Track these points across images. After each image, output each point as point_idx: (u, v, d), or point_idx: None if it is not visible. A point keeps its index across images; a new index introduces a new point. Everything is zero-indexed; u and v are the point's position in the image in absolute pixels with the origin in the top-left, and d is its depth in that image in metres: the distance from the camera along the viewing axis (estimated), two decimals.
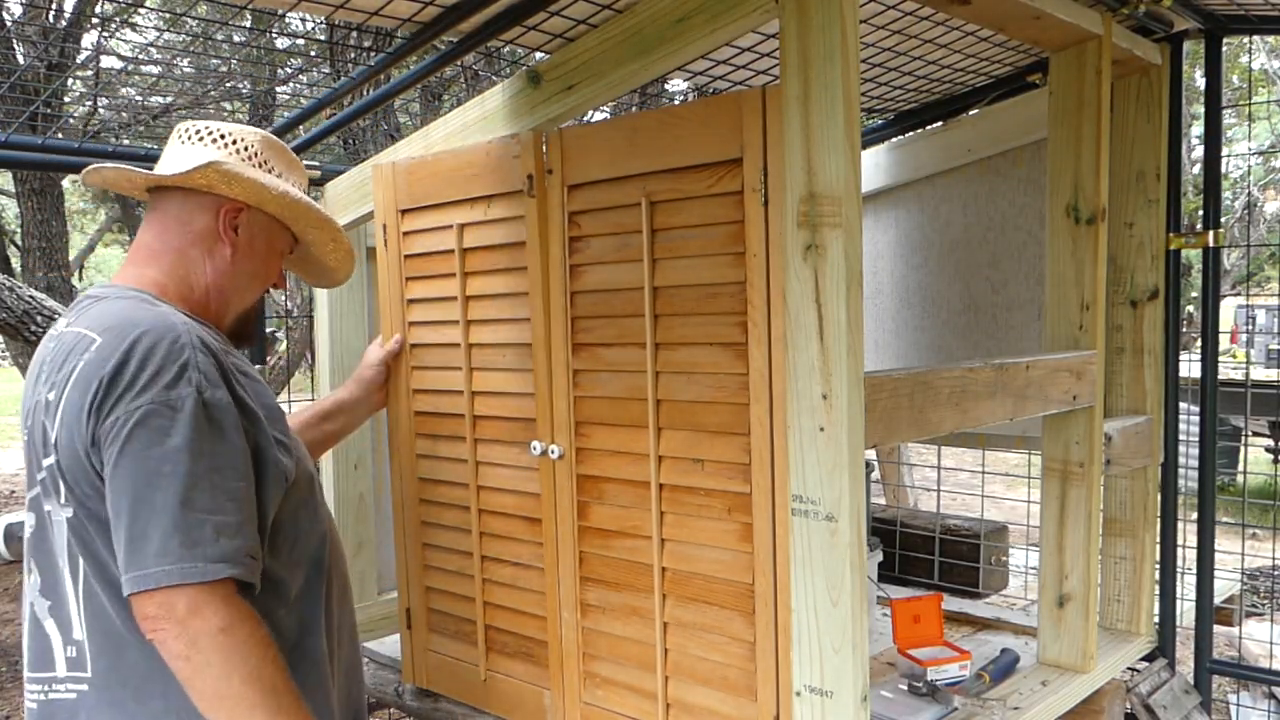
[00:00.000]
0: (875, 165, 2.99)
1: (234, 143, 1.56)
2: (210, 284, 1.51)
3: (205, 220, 1.51)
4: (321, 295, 2.64)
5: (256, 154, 1.57)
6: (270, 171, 1.57)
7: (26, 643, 1.37)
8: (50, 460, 1.31)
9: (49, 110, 4.72)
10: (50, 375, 1.33)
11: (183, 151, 1.55)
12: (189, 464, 1.25)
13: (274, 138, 1.63)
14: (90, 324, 1.34)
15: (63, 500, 1.31)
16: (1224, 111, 2.54)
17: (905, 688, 2.12)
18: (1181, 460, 2.52)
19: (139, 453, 1.24)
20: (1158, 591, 2.51)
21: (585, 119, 2.98)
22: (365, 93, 2.57)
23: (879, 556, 2.64)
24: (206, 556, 1.23)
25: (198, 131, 1.56)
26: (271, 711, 1.24)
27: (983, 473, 3.60)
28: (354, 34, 4.56)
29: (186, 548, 1.22)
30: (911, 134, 3.01)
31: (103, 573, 1.31)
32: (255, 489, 1.34)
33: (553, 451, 1.93)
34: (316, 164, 2.80)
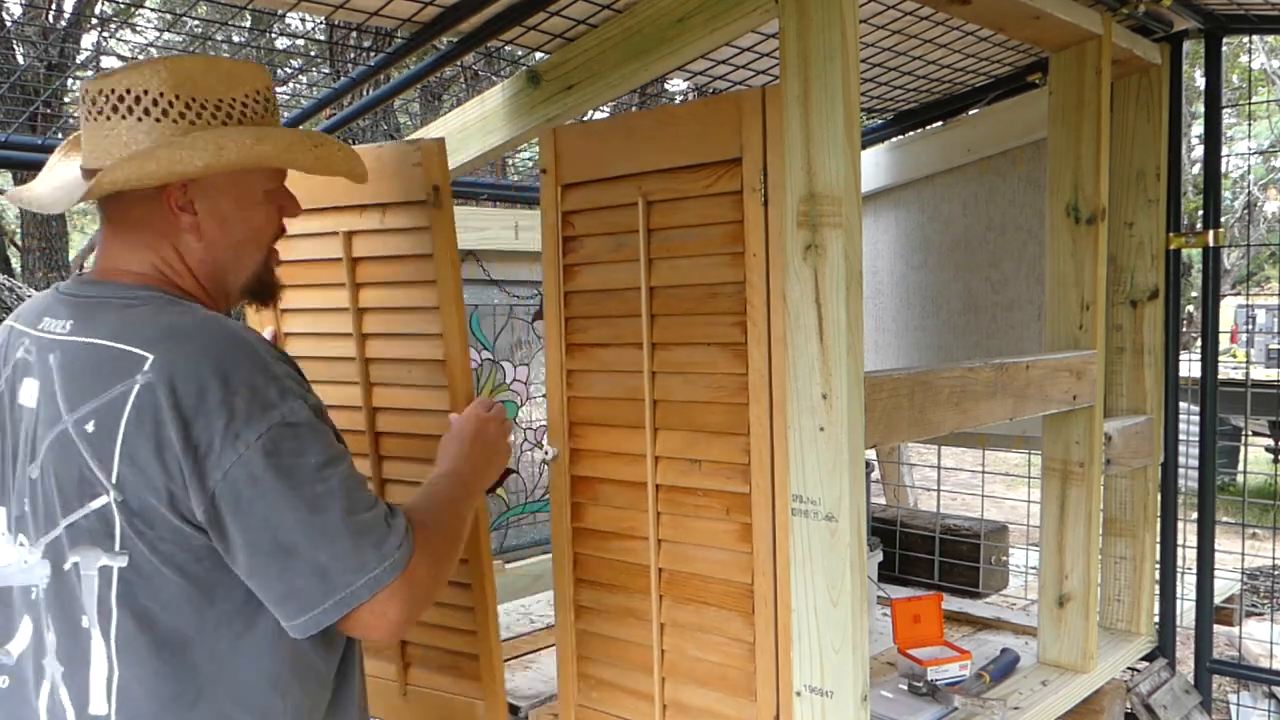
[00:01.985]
0: (875, 165, 2.99)
1: (137, 101, 1.18)
2: (196, 274, 1.26)
3: (155, 211, 1.22)
4: None
5: (170, 104, 1.19)
6: (191, 113, 1.19)
7: (43, 708, 1.18)
8: (101, 502, 1.11)
9: (49, 110, 4.72)
10: (74, 397, 1.12)
11: (94, 133, 1.21)
12: (337, 478, 1.13)
13: (187, 60, 1.23)
14: (117, 335, 1.14)
15: (118, 548, 1.11)
16: (1224, 111, 2.54)
17: (905, 688, 2.12)
18: (1181, 460, 2.52)
19: (283, 483, 1.10)
20: (1158, 591, 2.51)
21: (585, 119, 2.98)
22: (365, 93, 2.57)
23: (879, 556, 2.64)
24: (386, 553, 1.14)
25: (94, 102, 1.20)
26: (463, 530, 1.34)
27: (983, 473, 3.60)
28: (354, 34, 4.56)
29: (372, 551, 1.13)
30: (911, 134, 3.01)
31: (154, 631, 1.13)
32: None
33: (547, 453, 1.92)
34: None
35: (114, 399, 1.10)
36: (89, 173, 1.23)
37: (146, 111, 1.18)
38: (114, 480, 1.10)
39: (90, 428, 1.11)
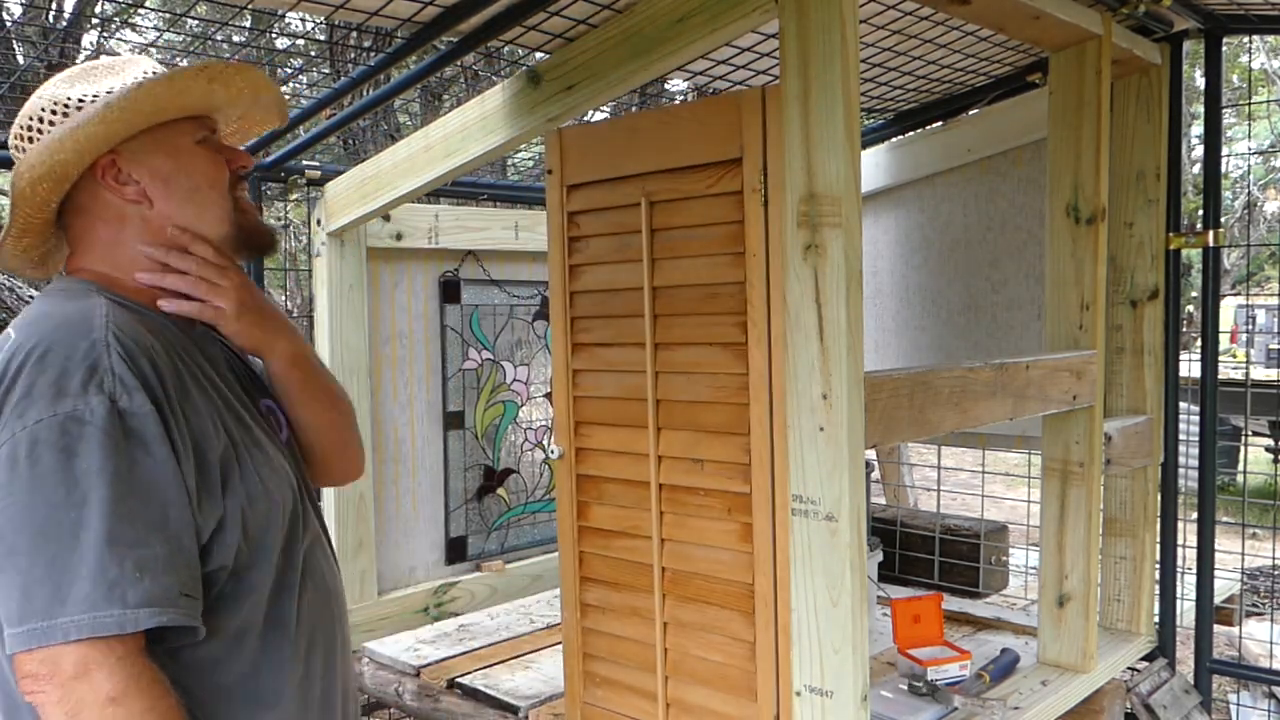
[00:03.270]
0: (875, 165, 2.99)
1: (28, 129, 1.21)
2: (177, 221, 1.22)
3: (98, 199, 1.20)
4: (321, 296, 2.64)
5: (56, 111, 1.19)
6: (75, 103, 1.19)
7: None
8: None
9: None
10: None
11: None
12: (103, 490, 1.00)
13: (64, 75, 1.24)
14: (16, 320, 1.13)
15: None
16: (1224, 111, 2.54)
17: (905, 688, 2.12)
18: (1181, 460, 2.52)
19: (29, 481, 1.00)
20: (1158, 591, 2.50)
21: (585, 119, 2.98)
22: (365, 93, 2.57)
23: (879, 556, 2.64)
24: (126, 602, 0.98)
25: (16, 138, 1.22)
26: None
27: (983, 473, 3.60)
28: (354, 34, 4.56)
29: (86, 596, 0.97)
30: (911, 134, 3.01)
31: None
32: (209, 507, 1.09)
33: (553, 452, 1.93)
34: (316, 164, 2.80)
35: None
36: None
37: (36, 132, 1.20)
38: None
39: None
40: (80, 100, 1.19)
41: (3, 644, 1.03)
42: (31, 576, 0.98)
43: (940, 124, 2.98)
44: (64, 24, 6.07)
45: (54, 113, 1.19)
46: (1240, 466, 6.57)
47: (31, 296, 4.56)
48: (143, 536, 1.01)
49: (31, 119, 1.21)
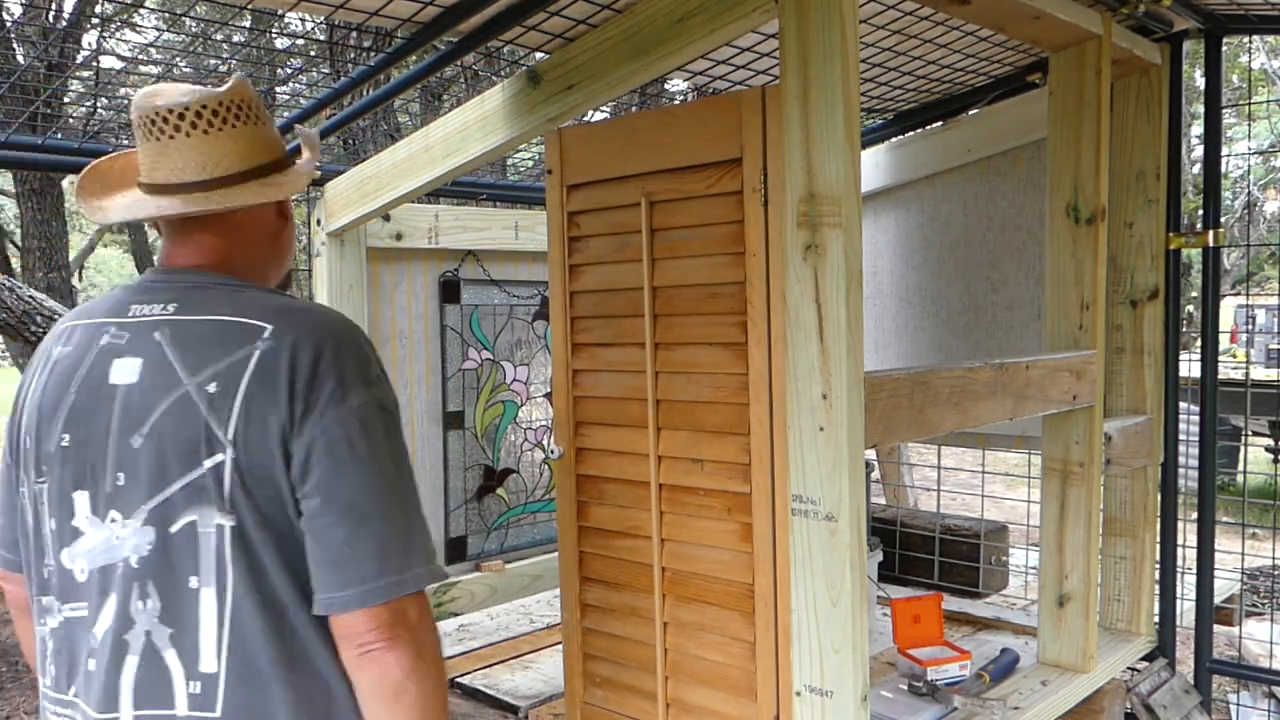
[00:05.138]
0: (875, 165, 2.99)
1: (249, 110, 1.31)
2: (264, 270, 1.37)
3: (258, 217, 1.36)
4: (321, 296, 2.64)
5: (230, 111, 1.30)
6: (245, 114, 1.33)
7: (133, 677, 1.19)
8: (216, 460, 1.15)
9: (49, 110, 4.72)
10: (194, 363, 1.18)
11: (216, 144, 1.29)
12: (408, 466, 1.21)
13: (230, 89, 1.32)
14: (235, 311, 1.21)
15: (227, 506, 1.15)
16: (1224, 111, 2.54)
17: (905, 687, 2.12)
18: (1181, 460, 2.52)
19: (372, 455, 1.16)
20: (1158, 591, 2.51)
21: (584, 119, 2.98)
22: (365, 93, 2.57)
23: (879, 556, 2.64)
24: (430, 558, 1.18)
25: (166, 120, 1.28)
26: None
27: (983, 473, 3.60)
28: (354, 34, 4.56)
29: (421, 551, 1.17)
30: (911, 134, 3.01)
31: (261, 591, 1.17)
32: None
33: (553, 451, 1.93)
34: (317, 164, 2.80)
35: (236, 361, 1.17)
36: (177, 186, 1.29)
37: (257, 116, 1.33)
38: (230, 436, 1.15)
39: (212, 388, 1.17)
40: (249, 110, 1.35)
41: (269, 611, 1.17)
42: (385, 539, 1.15)
43: (940, 124, 2.98)
44: (64, 24, 6.07)
45: (221, 116, 1.31)
46: (1240, 466, 6.57)
47: (31, 296, 4.56)
48: (418, 505, 1.23)
49: (247, 105, 1.33)
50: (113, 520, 1.20)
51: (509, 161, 4.19)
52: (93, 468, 1.22)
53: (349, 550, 1.14)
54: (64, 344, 1.28)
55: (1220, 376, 2.55)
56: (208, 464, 1.16)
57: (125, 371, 1.22)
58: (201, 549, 1.17)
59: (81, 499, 1.23)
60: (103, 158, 1.41)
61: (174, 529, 1.17)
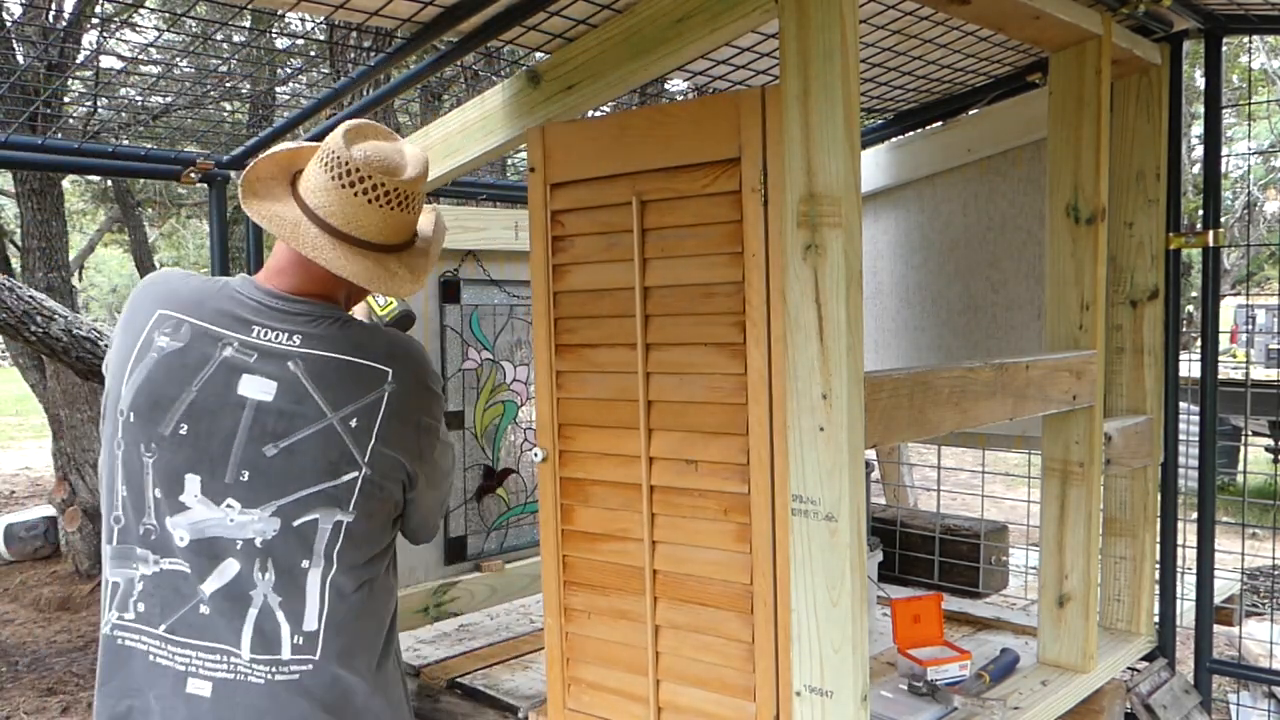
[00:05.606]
0: (875, 165, 2.99)
1: (408, 198, 1.57)
2: (349, 303, 1.69)
3: None
4: None
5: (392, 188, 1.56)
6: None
7: (251, 627, 1.50)
8: (351, 475, 1.52)
9: (49, 110, 4.72)
10: (336, 400, 1.52)
11: (378, 215, 1.53)
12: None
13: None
14: (355, 350, 1.55)
15: (349, 508, 1.52)
16: (1224, 111, 2.54)
17: (905, 688, 2.12)
18: (1181, 460, 2.52)
19: (447, 446, 1.70)
20: (1158, 591, 2.50)
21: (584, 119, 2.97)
22: (365, 93, 2.57)
23: (879, 556, 2.64)
24: None
25: (387, 193, 1.53)
26: None
27: (983, 473, 3.60)
28: (354, 34, 4.56)
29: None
30: (911, 134, 3.01)
31: (354, 566, 1.54)
32: None
33: (536, 454, 1.92)
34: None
35: (371, 402, 1.54)
36: (343, 235, 1.53)
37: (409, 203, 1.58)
38: (366, 459, 1.53)
39: (354, 423, 1.52)
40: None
41: (354, 578, 1.54)
42: (445, 495, 1.76)
43: (940, 124, 2.98)
44: (64, 24, 6.07)
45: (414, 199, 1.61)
46: (1240, 466, 6.57)
47: (31, 296, 4.56)
48: None
49: (406, 192, 1.57)
50: (228, 506, 1.49)
51: (509, 161, 4.19)
52: (211, 459, 1.49)
53: (437, 509, 1.74)
54: (170, 335, 1.51)
55: (1220, 376, 2.55)
56: (344, 478, 1.52)
57: (257, 388, 1.50)
58: (317, 539, 1.51)
59: (193, 481, 1.49)
60: (265, 158, 1.57)
61: (297, 523, 1.50)
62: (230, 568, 1.49)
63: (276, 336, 1.52)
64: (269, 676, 1.50)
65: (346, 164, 1.49)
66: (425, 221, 1.69)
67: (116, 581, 1.54)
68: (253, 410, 1.49)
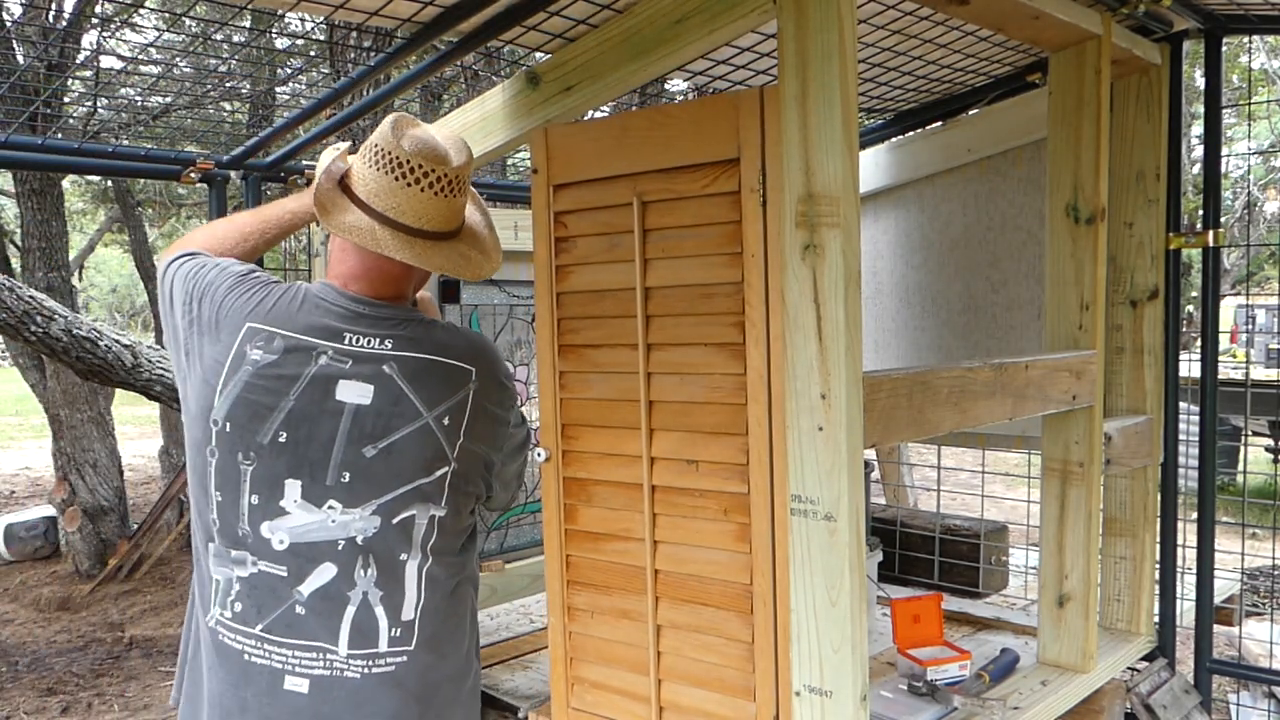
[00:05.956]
0: (875, 165, 2.99)
1: (456, 181, 1.62)
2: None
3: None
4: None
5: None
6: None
7: (349, 623, 1.57)
8: (444, 470, 1.62)
9: (49, 110, 4.72)
10: (430, 400, 1.60)
11: (433, 203, 1.59)
12: None
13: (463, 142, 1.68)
14: (441, 351, 1.63)
15: (441, 502, 1.63)
16: (1224, 111, 2.54)
17: (905, 688, 2.12)
18: (1181, 460, 2.52)
19: (521, 440, 1.83)
20: (1158, 591, 2.51)
21: (584, 119, 2.97)
22: (365, 93, 2.57)
23: (879, 556, 2.64)
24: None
25: (441, 178, 1.58)
26: None
27: (983, 473, 3.60)
28: (354, 34, 4.56)
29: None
30: (911, 134, 3.01)
31: (446, 554, 1.66)
32: None
33: (539, 455, 1.92)
34: (316, 164, 2.80)
35: (459, 400, 1.63)
36: (416, 231, 1.59)
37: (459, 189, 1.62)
38: (455, 455, 1.63)
39: (446, 421, 1.62)
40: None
41: (447, 566, 1.68)
42: (518, 472, 1.87)
43: (940, 124, 2.98)
44: (64, 24, 6.07)
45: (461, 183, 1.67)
46: (1240, 466, 6.57)
47: (31, 296, 4.56)
48: None
49: (454, 175, 1.62)
50: (330, 507, 1.55)
51: (509, 161, 4.19)
52: (311, 464, 1.55)
53: (515, 485, 1.88)
54: (261, 348, 1.56)
55: (1220, 376, 2.55)
56: (436, 474, 1.61)
57: (354, 393, 1.57)
58: (414, 533, 1.60)
59: (293, 486, 1.55)
60: (322, 174, 1.64)
61: (396, 519, 1.58)
62: (328, 570, 1.56)
63: (369, 342, 1.59)
64: (365, 670, 1.58)
65: (405, 162, 1.54)
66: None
67: (218, 579, 1.60)
68: (351, 414, 1.56)
